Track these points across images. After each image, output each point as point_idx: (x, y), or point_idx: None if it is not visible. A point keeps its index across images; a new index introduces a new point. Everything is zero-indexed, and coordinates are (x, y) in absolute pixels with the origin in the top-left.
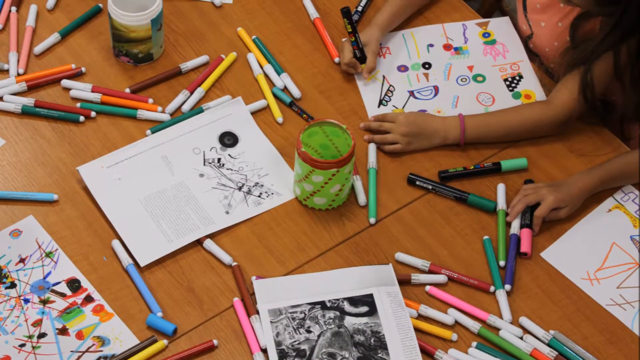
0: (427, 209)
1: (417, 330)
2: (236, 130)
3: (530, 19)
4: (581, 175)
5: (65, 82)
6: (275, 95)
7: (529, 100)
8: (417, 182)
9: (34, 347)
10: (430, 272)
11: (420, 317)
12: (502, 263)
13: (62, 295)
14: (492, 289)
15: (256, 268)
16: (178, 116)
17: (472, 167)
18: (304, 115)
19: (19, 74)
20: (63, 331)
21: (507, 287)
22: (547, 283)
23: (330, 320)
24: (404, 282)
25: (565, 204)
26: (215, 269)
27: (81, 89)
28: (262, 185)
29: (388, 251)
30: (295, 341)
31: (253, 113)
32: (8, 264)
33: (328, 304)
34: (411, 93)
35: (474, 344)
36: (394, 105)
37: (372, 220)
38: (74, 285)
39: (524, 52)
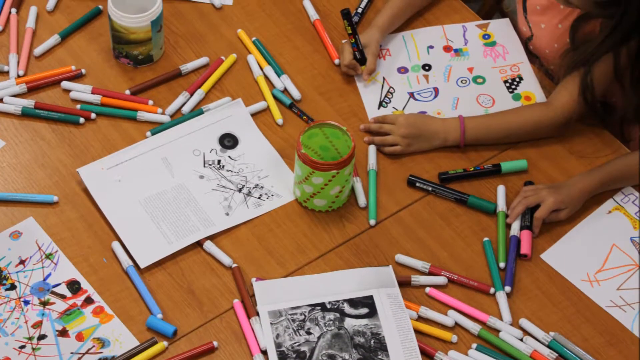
0: (427, 210)
1: (417, 331)
2: (236, 131)
3: (530, 21)
4: (581, 177)
5: (65, 84)
6: (275, 97)
7: (529, 102)
8: (417, 184)
9: (34, 349)
10: (430, 273)
11: (420, 318)
12: (502, 265)
13: (62, 296)
14: (492, 290)
15: (256, 270)
16: (178, 118)
17: (472, 169)
18: (304, 117)
19: (19, 76)
20: (63, 333)
21: (507, 288)
22: (547, 285)
23: (330, 322)
24: (404, 284)
25: (565, 206)
26: (215, 270)
27: (81, 91)
28: (262, 187)
29: (388, 253)
30: (295, 343)
31: (253, 115)
32: (8, 266)
33: (328, 306)
34: (411, 95)
35: (474, 345)
36: (394, 107)
37: (372, 221)
38: (74, 286)
39: (524, 53)
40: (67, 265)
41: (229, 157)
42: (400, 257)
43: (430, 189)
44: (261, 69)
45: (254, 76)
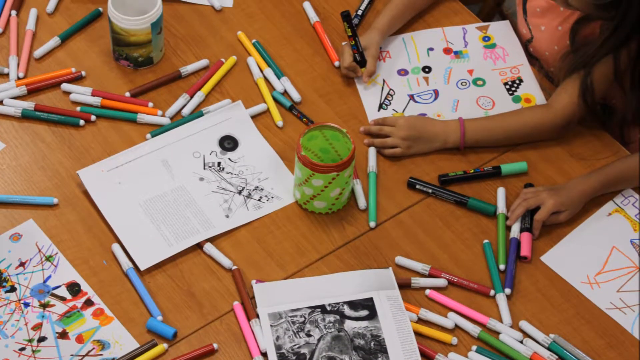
0: (427, 212)
1: (417, 334)
2: (236, 134)
3: (530, 23)
4: (581, 179)
5: (65, 86)
6: (275, 99)
7: (529, 104)
8: (417, 186)
9: (34, 351)
10: (430, 275)
11: (420, 320)
12: (502, 267)
13: (62, 299)
14: (492, 292)
15: (256, 272)
16: (178, 120)
17: (472, 171)
18: (304, 119)
19: (19, 78)
20: (63, 335)
21: (507, 290)
22: (547, 287)
23: (330, 324)
24: (404, 286)
25: (565, 208)
26: (215, 272)
27: (81, 93)
28: (262, 189)
29: (388, 255)
30: (295, 345)
31: (253, 117)
32: (8, 268)
33: (328, 308)
34: (411, 97)
35: (474, 347)
36: (394, 109)
37: (372, 224)
38: (74, 289)
39: (524, 55)
40: (67, 267)
41: (229, 159)
42: (400, 259)
43: (430, 191)
44: (261, 71)
45: (254, 78)
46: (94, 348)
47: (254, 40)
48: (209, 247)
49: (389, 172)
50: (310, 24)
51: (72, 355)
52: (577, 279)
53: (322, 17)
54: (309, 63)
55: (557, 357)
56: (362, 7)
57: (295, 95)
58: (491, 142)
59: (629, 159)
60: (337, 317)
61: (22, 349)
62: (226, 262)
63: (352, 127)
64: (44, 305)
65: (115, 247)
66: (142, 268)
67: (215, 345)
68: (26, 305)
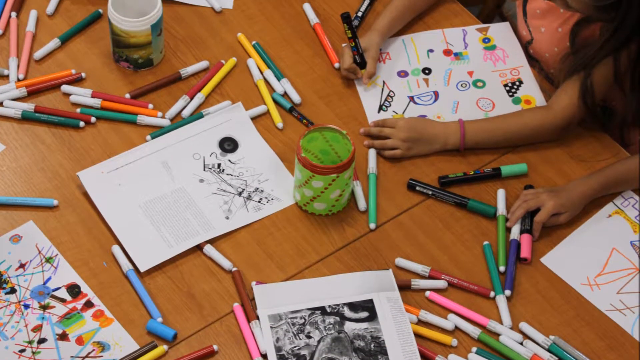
0: (427, 214)
1: (417, 335)
2: (236, 135)
3: (530, 25)
4: (581, 181)
5: (65, 88)
6: (275, 101)
7: (529, 105)
8: (417, 188)
9: (34, 353)
10: (430, 277)
11: (420, 322)
12: (502, 268)
13: (62, 300)
14: (492, 294)
15: (256, 273)
16: (178, 122)
17: (472, 173)
18: (304, 121)
19: (19, 80)
20: (63, 337)
21: (507, 292)
22: (547, 288)
23: (330, 326)
24: (404, 288)
25: (565, 210)
26: (215, 274)
27: (81, 95)
28: (262, 191)
29: (388, 256)
30: (295, 346)
31: (253, 118)
32: (8, 270)
33: (328, 310)
34: (411, 98)
35: (474, 349)
36: (394, 111)
37: (372, 225)
38: (74, 290)
39: (524, 57)
40: (67, 269)
41: (229, 160)
42: (400, 261)
43: (430, 192)
44: (261, 72)
45: (254, 80)
46: (94, 350)
47: (254, 42)
48: (209, 249)
49: (389, 173)
50: (310, 25)
51: (72, 357)
52: (577, 281)
53: (322, 18)
54: (309, 65)
55: (557, 358)
56: (362, 8)
57: (295, 97)
58: (491, 143)
59: (629, 160)
60: (337, 318)
61: (22, 351)
62: (226, 263)
63: (352, 128)
64: (44, 307)
65: (115, 249)
66: (142, 270)
67: (215, 347)
68: (26, 306)
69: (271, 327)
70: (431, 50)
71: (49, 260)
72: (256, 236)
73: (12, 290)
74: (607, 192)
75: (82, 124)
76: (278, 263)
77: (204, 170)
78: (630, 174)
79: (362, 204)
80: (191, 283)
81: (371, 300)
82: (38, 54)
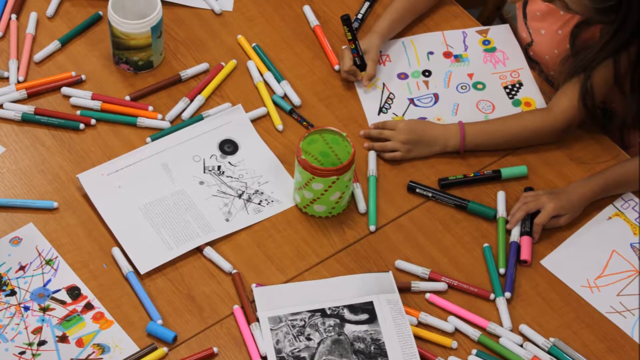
0: (427, 216)
1: (417, 337)
2: (236, 137)
3: (530, 27)
4: (581, 183)
5: (65, 90)
6: (275, 103)
7: (529, 107)
8: (417, 190)
9: (34, 355)
10: (430, 279)
11: (420, 324)
12: (502, 270)
13: (62, 302)
14: (492, 296)
15: (256, 275)
16: (178, 124)
17: (472, 175)
18: (304, 123)
19: (19, 82)
20: (63, 339)
21: (507, 294)
22: (547, 290)
23: (330, 328)
24: (404, 290)
25: (565, 212)
26: (215, 276)
27: (81, 97)
28: (262, 193)
29: (388, 259)
30: (295, 349)
31: (253, 121)
32: (8, 272)
33: (328, 312)
34: (411, 100)
35: (474, 351)
36: (394, 113)
37: (372, 227)
38: (74, 292)
39: (524, 59)
40: (67, 271)
41: (229, 163)
42: (400, 263)
43: (430, 195)
44: (261, 74)
45: (254, 82)
46: (94, 352)
47: (254, 44)
48: (209, 251)
49: (389, 175)
50: (310, 27)
51: (72, 359)
52: (577, 283)
53: (322, 20)
54: (309, 67)
55: None
56: (362, 10)
57: (295, 99)
58: (491, 145)
59: (629, 162)
60: (337, 320)
61: (22, 353)
62: (226, 265)
63: (352, 130)
64: (44, 309)
65: (115, 251)
66: (142, 272)
67: (215, 349)
68: (26, 309)
69: (271, 329)
70: (431, 53)
71: (49, 262)
72: (256, 238)
73: (12, 293)
74: (607, 194)
75: (82, 126)
76: (278, 265)
77: (204, 172)
78: (630, 176)
79: (362, 206)
80: (191, 285)
81: (371, 303)
82: (38, 56)
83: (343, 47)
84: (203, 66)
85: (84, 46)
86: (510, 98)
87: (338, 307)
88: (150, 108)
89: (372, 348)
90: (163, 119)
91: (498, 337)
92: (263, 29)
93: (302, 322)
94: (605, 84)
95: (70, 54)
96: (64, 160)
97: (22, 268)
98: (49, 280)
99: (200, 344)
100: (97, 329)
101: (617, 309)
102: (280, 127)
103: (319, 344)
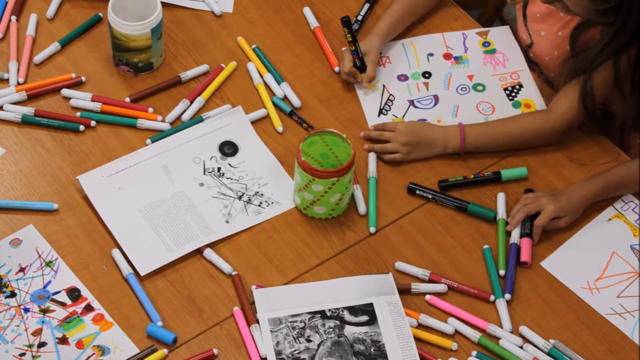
0: (427, 218)
1: (417, 339)
2: (236, 139)
3: (530, 28)
4: (581, 185)
5: (65, 92)
6: (275, 105)
7: (529, 109)
8: (417, 192)
9: (34, 357)
10: (430, 281)
11: (420, 326)
12: (502, 272)
13: (62, 304)
14: (492, 298)
15: (256, 277)
16: (178, 125)
17: (472, 177)
18: (304, 125)
19: (19, 83)
20: (63, 340)
21: (507, 296)
22: (547, 292)
23: (330, 330)
24: (404, 292)
25: (565, 213)
26: (215, 278)
27: (81, 98)
28: (262, 195)
29: (388, 260)
30: (295, 350)
31: (253, 122)
32: (8, 273)
33: (328, 313)
34: (411, 102)
35: (474, 353)
36: (394, 115)
37: (372, 229)
38: (74, 294)
39: (524, 61)
40: (67, 272)
41: (229, 164)
42: (400, 265)
43: (430, 196)
44: (261, 76)
45: (254, 84)
46: (94, 353)
47: (254, 46)
48: (209, 253)
49: (389, 177)
50: (310, 29)
51: None
52: (577, 285)
53: (322, 22)
54: (309, 68)
55: None
56: (362, 12)
57: (295, 101)
58: (491, 147)
59: (629, 164)
60: (337, 322)
61: (22, 355)
62: (226, 267)
63: (352, 132)
64: (44, 311)
65: (115, 253)
66: (142, 273)
67: (215, 351)
68: (26, 310)
69: (271, 331)
70: (431, 54)
71: (49, 264)
72: (256, 240)
73: (12, 294)
74: (607, 196)
75: (82, 127)
76: (278, 267)
77: (204, 174)
78: (630, 178)
79: (362, 208)
80: (191, 287)
81: (371, 304)
82: (38, 57)
83: (343, 48)
84: (203, 68)
85: (84, 48)
86: (510, 100)
87: (338, 308)
88: (151, 110)
89: (372, 350)
90: (163, 121)
91: (498, 338)
92: (263, 30)
93: (302, 324)
94: (605, 86)
95: (70, 56)
96: (64, 162)
97: (22, 270)
98: (49, 282)
99: (200, 346)
100: (97, 331)
101: (617, 310)
102: (280, 128)
103: (319, 345)
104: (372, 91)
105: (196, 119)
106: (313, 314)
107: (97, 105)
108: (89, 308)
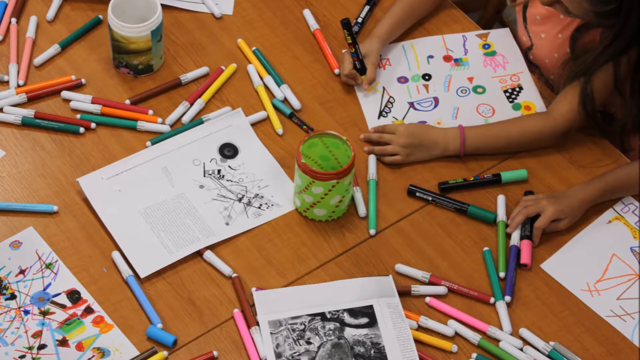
0: (427, 220)
1: (417, 341)
2: (236, 141)
3: (530, 31)
4: (581, 187)
5: (65, 94)
6: (275, 107)
7: (529, 111)
8: (417, 194)
9: (34, 359)
10: (430, 283)
11: (420, 328)
12: (502, 274)
13: (62, 306)
14: (492, 300)
15: (256, 279)
16: (178, 127)
17: (472, 179)
18: (304, 127)
19: (19, 86)
20: (63, 342)
21: (507, 298)
22: (547, 294)
23: (330, 332)
24: (404, 294)
25: (565, 216)
26: (215, 280)
27: (81, 101)
28: (262, 197)
29: (388, 262)
30: (295, 352)
31: (253, 124)
32: (8, 275)
33: (328, 316)
34: (411, 104)
35: (474, 355)
36: (394, 117)
37: (372, 231)
38: (74, 296)
39: (524, 63)
40: (67, 275)
41: (229, 166)
42: (400, 267)
43: (430, 198)
44: (261, 78)
45: (254, 86)
46: (94, 356)
47: (254, 48)
48: (209, 255)
49: (389, 179)
50: (310, 31)
51: None
52: (577, 287)
53: (322, 24)
54: (309, 70)
55: None
56: (362, 14)
57: (295, 103)
58: (491, 149)
59: (629, 166)
60: (337, 324)
61: (22, 357)
62: (226, 269)
63: (352, 134)
64: (44, 313)
65: (115, 255)
66: (142, 275)
67: (215, 353)
68: (26, 312)
69: (271, 333)
70: (431, 56)
71: (49, 266)
72: (256, 242)
73: (12, 296)
74: (607, 198)
75: (82, 130)
76: (278, 269)
77: (204, 176)
78: (630, 180)
79: (362, 210)
80: (191, 289)
81: (371, 306)
82: (38, 60)
83: (343, 50)
84: (203, 70)
85: (84, 50)
86: (510, 102)
87: (338, 310)
88: (151, 112)
89: (372, 352)
90: (163, 123)
91: (498, 340)
92: (263, 32)
93: (302, 326)
94: (605, 88)
95: (70, 58)
96: (64, 164)
97: (22, 272)
98: (49, 284)
99: (200, 348)
100: (97, 333)
101: (617, 312)
102: (280, 130)
103: (319, 347)
104: (372, 93)
105: (196, 121)
106: (313, 316)
107: (97, 108)
108: (89, 310)
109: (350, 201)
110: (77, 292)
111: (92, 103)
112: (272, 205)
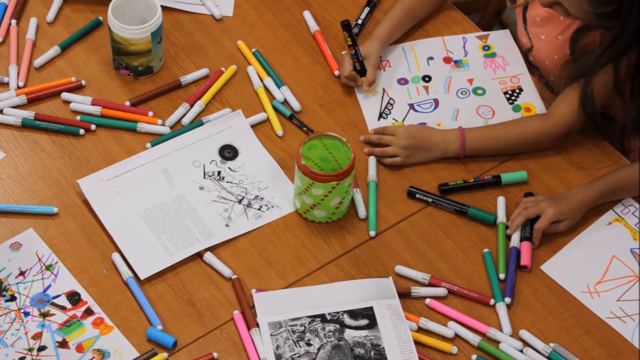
0: (427, 222)
1: (417, 343)
2: (236, 143)
3: (530, 32)
4: (581, 188)
5: (65, 95)
6: (275, 108)
7: (529, 113)
8: (417, 195)
9: None
10: (430, 285)
11: (420, 330)
12: (502, 276)
13: (62, 308)
14: (492, 301)
15: (256, 281)
16: (178, 129)
17: (472, 180)
18: (304, 128)
19: (19, 87)
20: (63, 344)
21: (507, 300)
22: (547, 296)
23: (330, 333)
24: (404, 295)
25: (565, 217)
26: (215, 282)
27: (81, 102)
28: (262, 198)
29: (388, 264)
30: (295, 354)
31: (253, 126)
32: (8, 277)
33: (328, 317)
34: (411, 106)
35: (474, 357)
36: (394, 118)
37: (372, 233)
38: (74, 298)
39: (524, 65)
40: (67, 276)
41: (229, 168)
42: (400, 269)
43: (430, 200)
44: (261, 80)
45: (254, 87)
46: (94, 357)
47: (254, 50)
48: (209, 256)
49: (389, 181)
50: (310, 33)
51: None
52: (577, 288)
53: (322, 26)
54: (308, 72)
55: None
56: (362, 16)
57: (295, 105)
58: (491, 151)
59: (629, 168)
60: (337, 326)
61: (22, 358)
62: (226, 271)
63: (352, 136)
64: (44, 315)
65: (115, 256)
66: (142, 277)
67: (215, 355)
68: (26, 314)
69: (271, 335)
70: (431, 58)
71: (49, 267)
72: (256, 244)
73: (12, 298)
74: (607, 200)
75: (82, 131)
76: (278, 271)
77: (204, 177)
78: (630, 182)
79: (362, 212)
80: (191, 291)
81: (371, 308)
82: (38, 61)
83: (343, 52)
84: (203, 71)
85: (84, 51)
86: (510, 103)
87: (338, 312)
88: (150, 113)
89: (372, 353)
90: (163, 125)
91: (498, 342)
92: (263, 34)
93: (302, 328)
94: (605, 90)
95: (70, 60)
96: (64, 166)
97: (22, 273)
98: (49, 286)
99: (200, 350)
100: (97, 335)
101: (617, 314)
102: (280, 132)
103: (319, 349)
104: (372, 95)
105: (196, 122)
106: (313, 317)
107: (97, 109)
108: (89, 312)
109: (350, 203)
110: (77, 294)
111: (92, 105)
112: (272, 206)
